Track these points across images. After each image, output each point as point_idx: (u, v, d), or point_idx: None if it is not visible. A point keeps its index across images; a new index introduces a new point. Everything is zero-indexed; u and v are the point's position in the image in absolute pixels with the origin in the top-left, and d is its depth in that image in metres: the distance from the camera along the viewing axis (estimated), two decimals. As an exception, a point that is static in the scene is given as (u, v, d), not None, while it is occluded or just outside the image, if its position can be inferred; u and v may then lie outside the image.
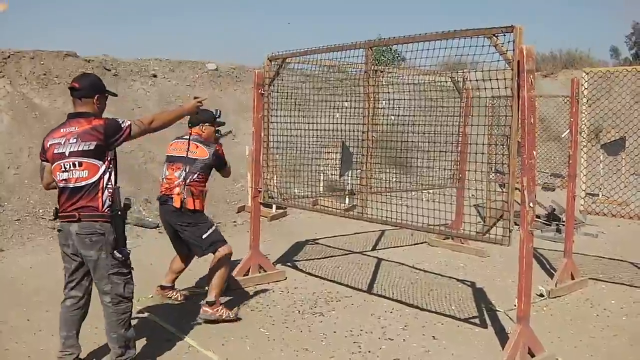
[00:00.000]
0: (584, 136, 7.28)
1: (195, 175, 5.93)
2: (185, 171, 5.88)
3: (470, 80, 8.10)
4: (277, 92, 7.15)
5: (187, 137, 6.06)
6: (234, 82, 15.62)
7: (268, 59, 7.01)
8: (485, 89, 5.14)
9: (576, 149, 7.06)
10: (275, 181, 7.46)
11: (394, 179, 8.75)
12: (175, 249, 6.32)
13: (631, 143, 8.97)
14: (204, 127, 6.16)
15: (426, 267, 8.06)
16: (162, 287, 6.40)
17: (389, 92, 6.76)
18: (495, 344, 5.33)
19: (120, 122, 4.33)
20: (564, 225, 8.13)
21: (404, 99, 7.12)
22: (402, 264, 8.17)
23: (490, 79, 4.89)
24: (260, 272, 7.15)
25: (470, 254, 8.71)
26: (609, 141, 10.78)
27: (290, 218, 11.31)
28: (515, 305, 4.89)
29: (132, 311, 4.52)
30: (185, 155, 5.92)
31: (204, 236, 5.87)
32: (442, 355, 5.16)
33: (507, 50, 4.66)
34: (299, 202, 7.48)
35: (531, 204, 4.56)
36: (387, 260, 8.31)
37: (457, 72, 8.47)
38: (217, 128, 6.34)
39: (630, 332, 5.76)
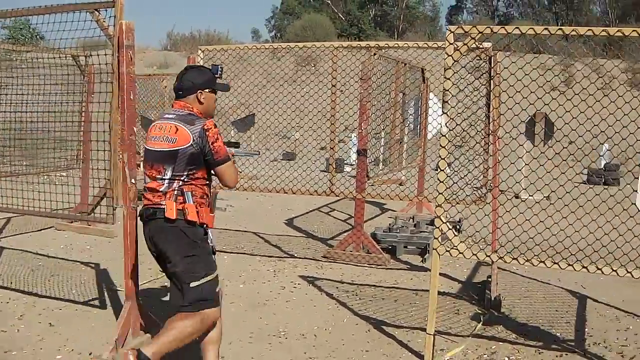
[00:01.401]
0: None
1: (185, 176, 3.85)
2: (170, 172, 3.85)
3: (90, 56, 7.90)
4: None
5: (172, 114, 4.01)
6: None
7: None
8: (106, 64, 5.03)
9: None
10: None
11: (18, 163, 8.25)
12: (171, 295, 4.09)
13: (260, 118, 9.55)
14: (203, 95, 4.02)
15: (50, 252, 7.75)
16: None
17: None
18: (114, 323, 5.23)
19: None
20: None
21: (17, 77, 6.77)
22: (25, 250, 7.77)
23: (113, 55, 4.81)
24: None
25: (97, 236, 8.56)
26: (239, 118, 11.39)
27: None
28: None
29: None
30: (164, 148, 3.87)
31: (193, 284, 3.81)
32: (57, 342, 4.96)
33: (108, 26, 4.62)
34: None
35: (133, 180, 4.56)
36: (9, 249, 7.81)
37: (79, 50, 8.19)
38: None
39: (246, 298, 6.15)
